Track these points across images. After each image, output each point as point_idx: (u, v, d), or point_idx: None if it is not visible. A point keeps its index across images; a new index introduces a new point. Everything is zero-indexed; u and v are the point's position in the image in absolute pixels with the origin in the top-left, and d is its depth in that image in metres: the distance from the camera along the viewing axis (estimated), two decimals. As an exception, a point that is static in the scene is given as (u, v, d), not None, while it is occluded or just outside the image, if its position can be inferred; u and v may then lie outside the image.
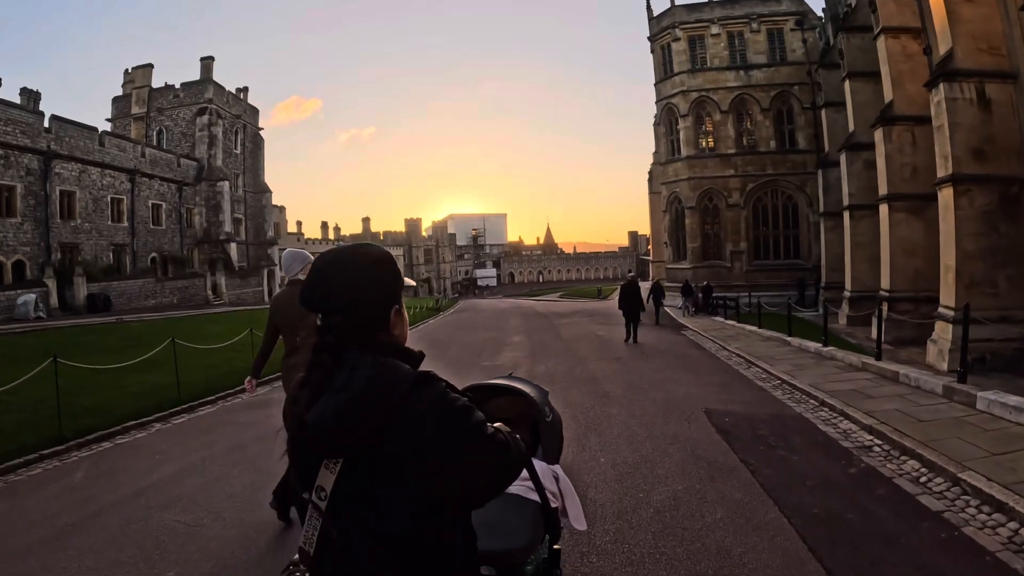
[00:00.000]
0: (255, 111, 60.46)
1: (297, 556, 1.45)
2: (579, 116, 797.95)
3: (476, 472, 1.41)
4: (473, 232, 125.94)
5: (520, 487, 2.39)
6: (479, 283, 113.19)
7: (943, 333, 11.42)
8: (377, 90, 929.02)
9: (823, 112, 25.58)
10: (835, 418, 7.56)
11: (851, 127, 20.69)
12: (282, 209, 72.68)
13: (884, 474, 5.44)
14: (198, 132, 50.31)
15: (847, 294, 20.75)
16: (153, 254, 42.47)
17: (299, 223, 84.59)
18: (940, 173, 11.87)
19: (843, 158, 21.01)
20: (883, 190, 16.35)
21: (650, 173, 56.52)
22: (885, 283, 16.50)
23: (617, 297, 18.95)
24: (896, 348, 14.64)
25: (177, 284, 40.31)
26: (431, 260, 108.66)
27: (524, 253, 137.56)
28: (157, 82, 53.08)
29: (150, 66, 53.41)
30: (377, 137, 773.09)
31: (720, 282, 30.75)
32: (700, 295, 29.15)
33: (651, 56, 36.92)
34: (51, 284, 29.60)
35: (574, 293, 67.92)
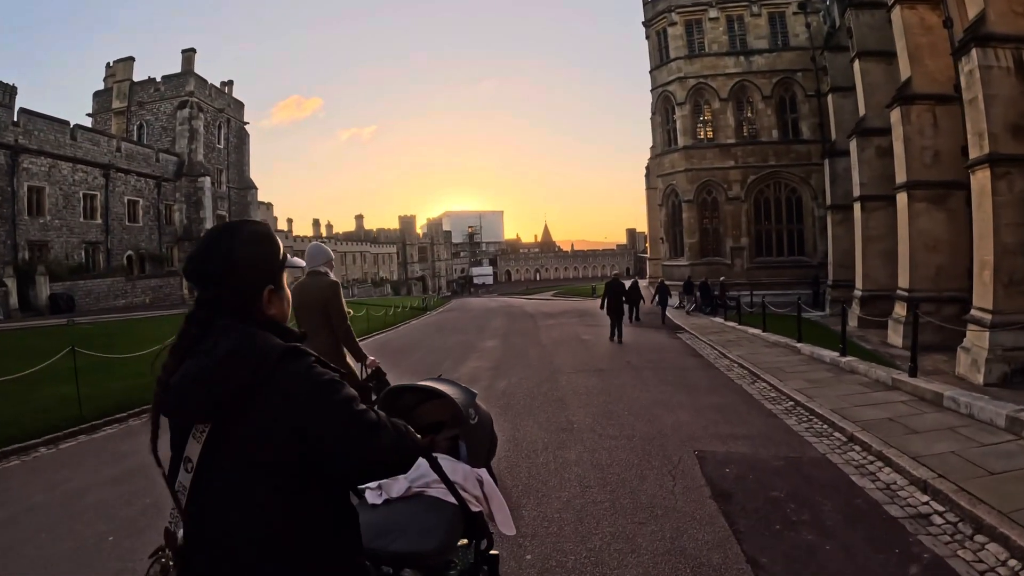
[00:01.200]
0: (240, 105, 58.90)
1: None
2: (578, 114, 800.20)
3: (341, 447, 1.40)
4: (469, 230, 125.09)
5: (439, 490, 2.43)
6: (475, 281, 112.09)
7: (977, 340, 9.71)
8: (378, 89, 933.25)
9: (829, 98, 23.90)
10: (871, 463, 5.78)
11: (862, 111, 19.09)
12: (269, 206, 71.31)
13: (959, 572, 3.74)
14: (178, 126, 48.81)
15: (858, 293, 19.12)
16: (129, 252, 40.87)
17: (289, 220, 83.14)
18: (973, 154, 10.17)
19: (853, 145, 19.41)
20: (901, 177, 14.76)
21: (647, 167, 54.83)
22: (903, 281, 14.97)
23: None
24: (918, 355, 13.06)
25: (150, 283, 38.55)
26: (426, 258, 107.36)
27: (521, 251, 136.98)
28: (144, 77, 51.50)
29: (131, 59, 51.94)
30: (378, 136, 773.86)
31: (719, 280, 28.96)
32: (698, 293, 27.44)
33: (646, 43, 35.19)
34: (10, 284, 28.05)
35: (568, 292, 66.34)
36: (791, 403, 8.47)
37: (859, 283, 19.18)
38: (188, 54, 50.94)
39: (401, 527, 2.26)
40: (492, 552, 2.74)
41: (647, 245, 58.31)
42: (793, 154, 31.51)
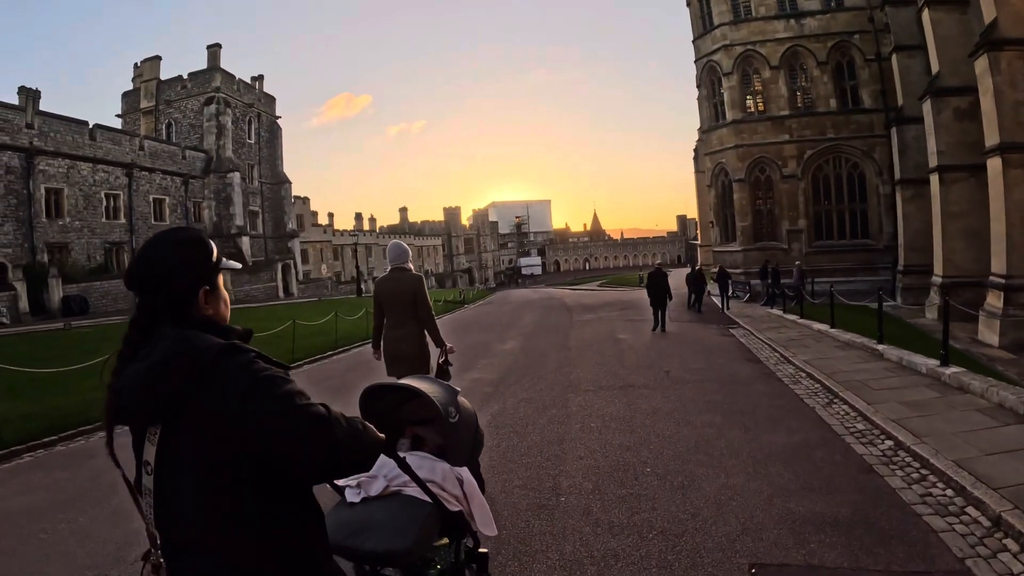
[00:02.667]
0: (271, 99, 58.06)
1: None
2: (624, 101, 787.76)
3: (287, 442, 1.37)
4: (516, 220, 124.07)
5: (417, 489, 2.40)
6: (523, 272, 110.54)
7: None
8: (427, 84, 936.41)
9: (893, 59, 21.02)
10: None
11: (934, 68, 16.53)
12: (305, 200, 70.13)
13: None
14: (206, 122, 48.09)
15: (937, 280, 16.48)
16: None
17: (330, 215, 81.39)
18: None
19: (927, 107, 16.86)
20: (992, 139, 12.44)
21: (695, 150, 52.66)
22: (998, 266, 12.62)
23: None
24: (1019, 355, 10.48)
25: None
26: (472, 250, 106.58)
27: (570, 240, 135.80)
28: (177, 75, 50.80)
29: (158, 58, 51.63)
30: (426, 130, 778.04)
31: (795, 265, 25.97)
32: (770, 280, 24.51)
33: (687, 10, 32.32)
34: (20, 287, 27.07)
35: (615, 281, 63.43)
36: (890, 444, 5.98)
37: (938, 268, 16.64)
38: (213, 49, 50.01)
39: (376, 526, 2.30)
40: (481, 551, 2.85)
41: (698, 232, 56.55)
42: (854, 125, 28.34)
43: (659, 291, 16.75)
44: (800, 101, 29.24)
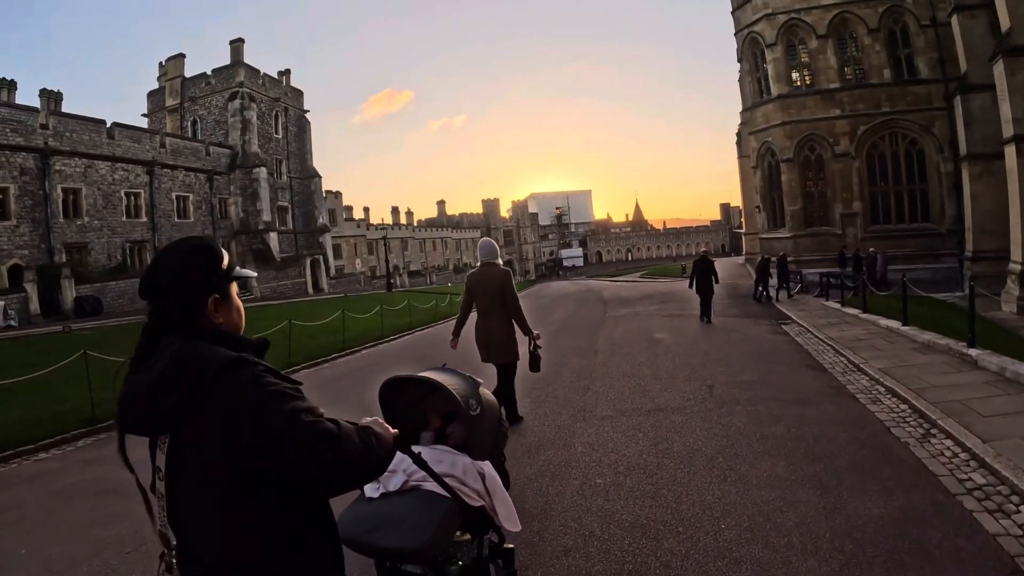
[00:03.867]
0: (298, 93, 57.19)
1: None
2: (668, 92, 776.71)
3: (293, 460, 1.34)
4: (557, 211, 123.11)
5: (436, 484, 2.37)
6: (564, 263, 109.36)
7: None
8: (469, 78, 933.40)
9: (953, 20, 18.90)
10: None
11: (1005, 25, 14.78)
12: (337, 195, 69.48)
13: None
14: (230, 118, 47.41)
15: (1016, 268, 14.49)
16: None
17: (366, 209, 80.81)
18: None
19: (998, 70, 15.04)
20: None
21: (738, 133, 50.47)
22: None
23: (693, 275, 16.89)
24: None
25: None
26: (512, 242, 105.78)
27: (612, 231, 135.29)
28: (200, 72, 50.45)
29: (182, 56, 51.28)
30: (468, 124, 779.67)
31: (827, 254, 23.69)
32: (850, 268, 22.41)
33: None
34: (30, 288, 26.34)
35: (657, 272, 61.01)
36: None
37: (1016, 254, 14.84)
38: (236, 44, 49.25)
39: (394, 522, 2.28)
40: (507, 546, 2.81)
41: (742, 219, 54.88)
42: (910, 97, 25.93)
43: (705, 279, 16.22)
44: (851, 72, 26.90)
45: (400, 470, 2.47)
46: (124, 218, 35.84)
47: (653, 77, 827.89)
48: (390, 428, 1.60)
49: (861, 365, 9.14)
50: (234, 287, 1.63)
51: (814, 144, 26.73)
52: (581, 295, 32.53)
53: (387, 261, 55.55)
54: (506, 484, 2.75)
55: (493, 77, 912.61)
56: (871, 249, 22.58)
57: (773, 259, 21.64)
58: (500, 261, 6.66)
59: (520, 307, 6.47)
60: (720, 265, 19.80)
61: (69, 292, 28.32)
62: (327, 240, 56.63)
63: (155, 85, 52.68)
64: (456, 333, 6.78)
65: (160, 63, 52.74)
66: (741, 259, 47.17)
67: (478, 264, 6.75)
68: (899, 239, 24.87)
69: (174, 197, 39.78)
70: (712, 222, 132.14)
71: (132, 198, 36.54)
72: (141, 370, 1.42)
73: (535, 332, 6.26)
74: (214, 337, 1.48)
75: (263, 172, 46.82)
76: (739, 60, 30.41)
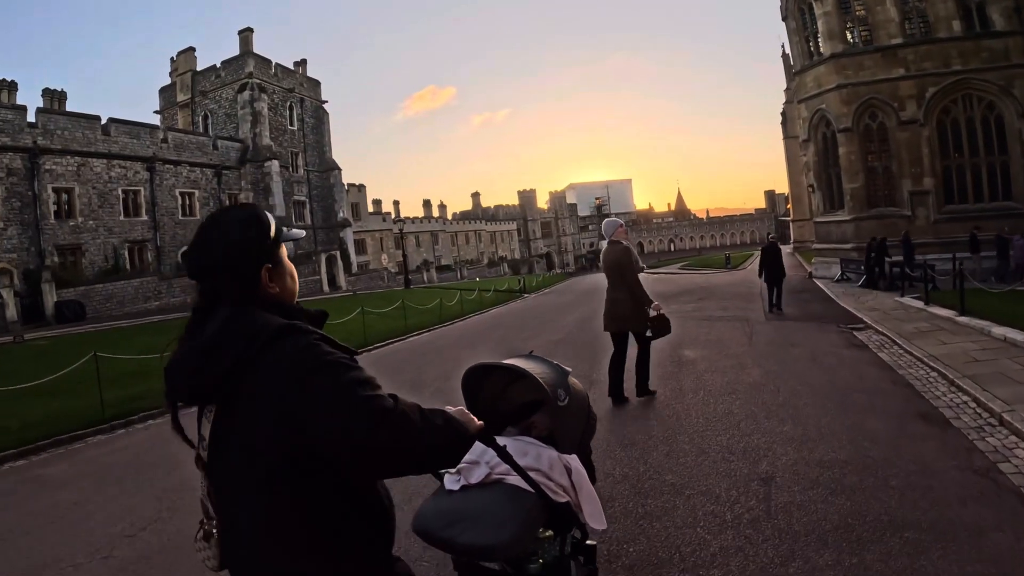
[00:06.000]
0: (315, 83, 55.17)
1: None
2: (709, 82, 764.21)
3: (345, 435, 1.25)
4: (596, 201, 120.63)
5: (518, 478, 2.18)
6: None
7: None
8: (512, 72, 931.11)
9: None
10: None
11: None
12: (361, 188, 67.33)
13: None
14: (240, 110, 45.55)
15: None
16: (184, 248, 37.74)
17: (396, 202, 77.81)
18: None
19: None
20: None
21: (783, 113, 46.77)
22: None
23: (756, 264, 16.42)
24: None
25: (190, 280, 35.32)
26: (550, 233, 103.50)
27: (654, 221, 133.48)
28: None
29: (192, 50, 49.85)
30: (510, 118, 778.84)
31: (892, 240, 20.06)
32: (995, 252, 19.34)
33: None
34: (6, 294, 24.73)
35: (699, 263, 56.68)
36: None
37: None
38: (245, 34, 47.37)
39: (474, 517, 2.13)
40: (589, 543, 2.60)
41: (788, 206, 51.19)
42: (984, 53, 22.11)
43: (774, 268, 15.58)
44: (915, 25, 23.03)
45: (483, 462, 2.32)
46: (122, 217, 34.33)
47: (695, 67, 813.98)
48: (475, 419, 1.53)
49: (985, 402, 5.99)
50: (283, 250, 1.53)
51: (875, 111, 22.96)
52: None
53: (404, 256, 53.04)
54: (592, 478, 2.53)
55: (536, 71, 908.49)
56: (1005, 228, 19.07)
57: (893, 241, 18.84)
58: (623, 240, 7.19)
59: (638, 280, 6.88)
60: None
61: (50, 297, 26.80)
62: (348, 235, 54.51)
63: (167, 81, 51.31)
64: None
65: (171, 58, 51.43)
66: (789, 248, 43.21)
67: (604, 242, 7.36)
68: (977, 221, 21.08)
69: (178, 194, 38.13)
70: (756, 210, 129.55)
71: (131, 196, 35.00)
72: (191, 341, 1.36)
73: (655, 302, 6.87)
74: (271, 307, 1.41)
75: (275, 165, 44.88)
76: (783, 18, 26.67)
